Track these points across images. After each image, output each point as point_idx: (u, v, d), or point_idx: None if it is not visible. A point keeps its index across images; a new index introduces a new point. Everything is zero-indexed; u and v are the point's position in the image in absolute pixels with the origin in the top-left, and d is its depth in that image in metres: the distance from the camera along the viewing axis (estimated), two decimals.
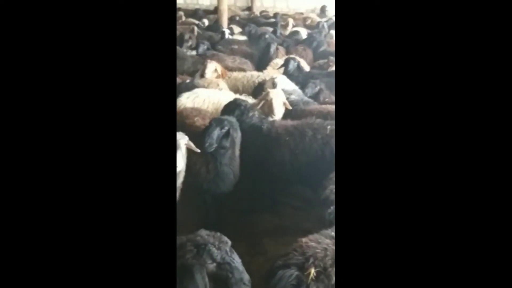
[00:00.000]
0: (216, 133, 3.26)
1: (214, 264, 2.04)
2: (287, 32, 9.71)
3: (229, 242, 2.14)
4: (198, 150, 3.12)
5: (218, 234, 2.17)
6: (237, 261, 2.10)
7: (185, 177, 3.33)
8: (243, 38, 8.86)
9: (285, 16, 13.02)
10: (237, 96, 4.55)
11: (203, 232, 2.16)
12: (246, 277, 2.09)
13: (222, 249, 2.06)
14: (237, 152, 3.56)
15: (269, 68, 6.35)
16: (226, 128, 3.30)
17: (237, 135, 3.45)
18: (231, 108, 3.89)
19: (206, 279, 1.98)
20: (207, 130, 3.28)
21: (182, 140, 3.08)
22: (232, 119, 3.50)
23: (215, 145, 3.25)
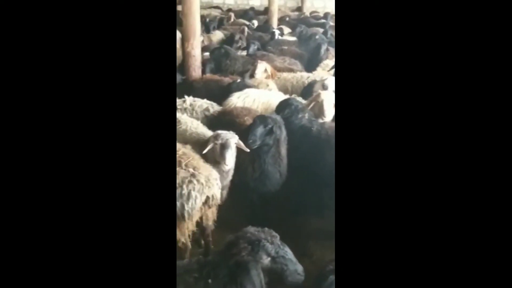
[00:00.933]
0: (259, 130, 3.26)
1: (269, 259, 2.08)
2: None
3: (278, 236, 2.18)
4: (248, 149, 3.14)
5: (266, 229, 2.19)
6: (289, 253, 2.14)
7: (233, 175, 3.38)
8: (293, 38, 8.80)
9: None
10: (287, 96, 4.54)
11: (252, 229, 2.18)
12: (300, 268, 2.14)
13: (274, 243, 2.10)
14: (283, 151, 3.54)
15: (319, 69, 6.27)
16: (270, 125, 3.30)
17: (281, 133, 3.43)
18: (282, 106, 3.89)
19: (261, 275, 2.00)
20: (250, 127, 3.30)
21: (233, 139, 3.11)
22: (276, 117, 3.49)
23: (258, 142, 3.26)
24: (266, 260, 2.06)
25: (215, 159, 3.12)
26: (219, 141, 3.07)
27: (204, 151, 3.06)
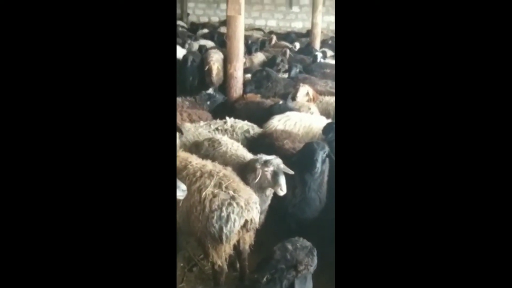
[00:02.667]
0: (321, 157, 3.22)
1: None
2: None
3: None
4: (292, 172, 3.10)
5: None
6: None
7: (272, 199, 3.33)
8: None
9: None
10: (329, 120, 4.48)
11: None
12: None
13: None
14: (325, 178, 3.48)
15: None
16: (326, 152, 3.26)
17: (332, 160, 3.38)
18: (327, 130, 3.84)
19: None
20: (314, 154, 3.23)
21: (282, 165, 3.08)
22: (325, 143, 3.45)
23: (320, 170, 3.21)
24: None
25: (261, 185, 3.11)
26: (270, 168, 3.04)
27: (256, 180, 3.05)
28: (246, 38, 9.10)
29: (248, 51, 9.52)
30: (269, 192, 3.18)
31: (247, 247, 3.10)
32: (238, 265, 3.33)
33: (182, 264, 3.53)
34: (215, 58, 7.14)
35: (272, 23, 15.69)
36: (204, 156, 3.44)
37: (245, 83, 6.10)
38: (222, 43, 9.65)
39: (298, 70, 6.99)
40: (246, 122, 4.59)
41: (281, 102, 5.02)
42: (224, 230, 2.74)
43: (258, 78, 6.21)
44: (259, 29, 14.09)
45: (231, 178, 2.95)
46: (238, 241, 2.97)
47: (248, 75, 6.53)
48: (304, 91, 5.43)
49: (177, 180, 2.67)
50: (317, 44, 10.32)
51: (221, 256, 2.88)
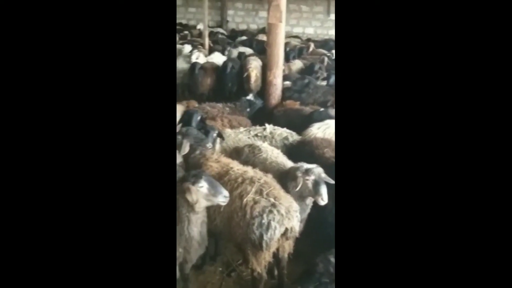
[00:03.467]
0: None
1: None
2: None
3: None
4: (333, 181, 3.07)
5: None
6: None
7: (311, 208, 3.31)
8: None
9: None
10: None
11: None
12: None
13: None
14: None
15: None
16: None
17: None
18: None
19: None
20: None
21: (323, 174, 3.06)
22: None
23: None
24: None
25: (302, 194, 3.09)
26: (312, 177, 3.03)
27: (297, 188, 3.04)
28: (284, 45, 9.14)
29: (286, 58, 9.53)
30: (309, 201, 3.16)
31: (286, 255, 3.08)
32: (276, 273, 3.32)
33: (220, 269, 3.56)
34: (254, 65, 7.21)
35: (309, 31, 15.64)
36: (244, 162, 3.47)
37: (284, 90, 6.11)
38: (261, 50, 9.73)
39: None
40: (285, 129, 4.59)
41: (321, 109, 4.98)
42: (265, 237, 2.75)
43: (299, 86, 6.21)
44: (296, 37, 14.07)
45: (272, 185, 2.96)
46: (278, 249, 2.97)
47: (287, 82, 6.54)
48: None
49: (220, 186, 2.70)
50: None
51: (261, 263, 2.88)
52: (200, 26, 12.74)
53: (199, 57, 8.28)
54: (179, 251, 2.78)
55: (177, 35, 12.29)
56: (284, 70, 7.48)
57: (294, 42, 12.47)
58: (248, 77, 7.00)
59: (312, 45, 11.77)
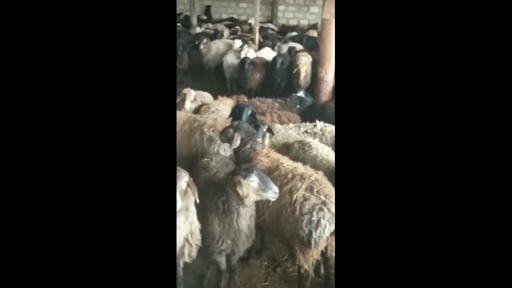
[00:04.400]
0: None
1: None
2: None
3: None
4: None
5: None
6: None
7: None
8: None
9: None
10: None
11: None
12: None
13: None
14: None
15: None
16: None
17: None
18: None
19: None
20: None
21: None
22: None
23: None
24: None
25: None
26: None
27: None
28: None
29: None
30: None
31: (334, 254, 3.03)
32: (322, 272, 3.28)
33: (266, 263, 3.57)
34: (304, 61, 7.13)
35: None
36: (294, 158, 3.44)
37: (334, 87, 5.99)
38: (311, 46, 9.60)
39: None
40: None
41: None
42: (314, 235, 2.72)
43: None
44: None
45: (323, 183, 2.91)
46: (326, 248, 2.92)
47: None
48: None
49: (271, 181, 2.70)
50: None
51: (308, 260, 2.86)
52: (251, 21, 12.80)
53: (249, 52, 8.31)
54: (227, 242, 2.82)
55: (227, 30, 12.44)
56: None
57: None
58: (298, 73, 6.93)
59: None
